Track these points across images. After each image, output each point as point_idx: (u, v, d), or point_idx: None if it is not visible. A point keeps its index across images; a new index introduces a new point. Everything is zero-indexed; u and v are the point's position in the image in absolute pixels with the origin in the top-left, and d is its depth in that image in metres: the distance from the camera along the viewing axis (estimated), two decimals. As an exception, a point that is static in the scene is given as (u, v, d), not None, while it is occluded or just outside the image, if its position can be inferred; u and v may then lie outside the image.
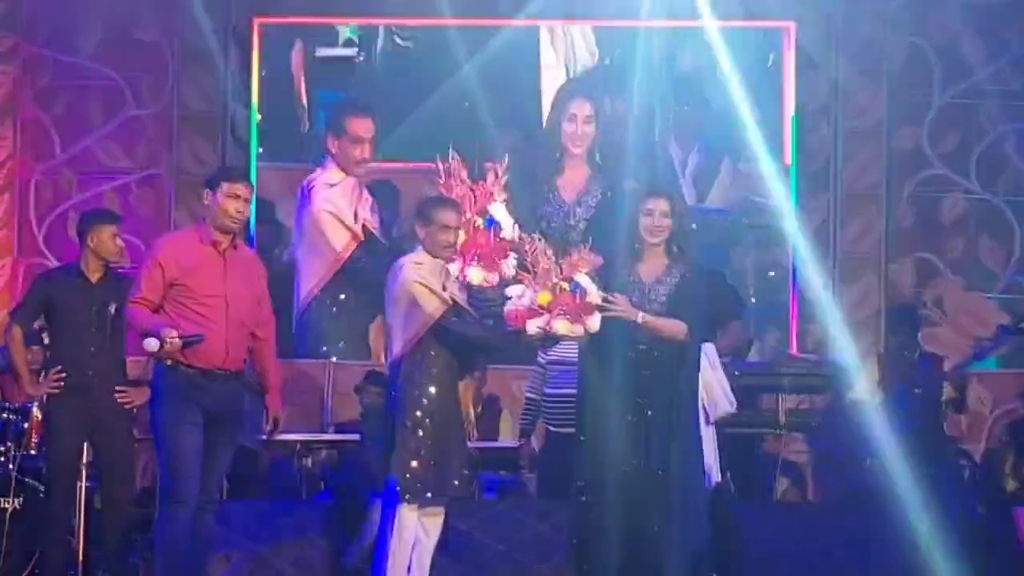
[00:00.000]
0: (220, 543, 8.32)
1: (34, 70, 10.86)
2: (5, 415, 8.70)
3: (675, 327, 7.24)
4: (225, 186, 7.15)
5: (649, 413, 7.27)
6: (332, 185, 9.87)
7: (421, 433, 7.10)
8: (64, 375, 8.15)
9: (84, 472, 8.41)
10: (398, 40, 11.56)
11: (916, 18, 10.88)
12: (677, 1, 10.44)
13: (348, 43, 11.68)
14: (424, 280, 7.07)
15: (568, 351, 8.75)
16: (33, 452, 8.67)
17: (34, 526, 8.42)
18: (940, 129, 10.89)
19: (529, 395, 9.11)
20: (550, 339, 7.11)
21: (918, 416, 9.30)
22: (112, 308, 8.20)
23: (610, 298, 7.09)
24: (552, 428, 8.94)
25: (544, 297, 6.93)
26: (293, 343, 10.03)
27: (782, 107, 10.92)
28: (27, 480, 8.57)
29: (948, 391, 9.56)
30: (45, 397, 8.38)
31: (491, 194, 7.25)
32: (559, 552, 8.27)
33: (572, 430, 8.54)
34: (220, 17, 10.69)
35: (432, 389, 7.14)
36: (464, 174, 7.29)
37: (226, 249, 7.12)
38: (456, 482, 7.20)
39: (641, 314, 7.18)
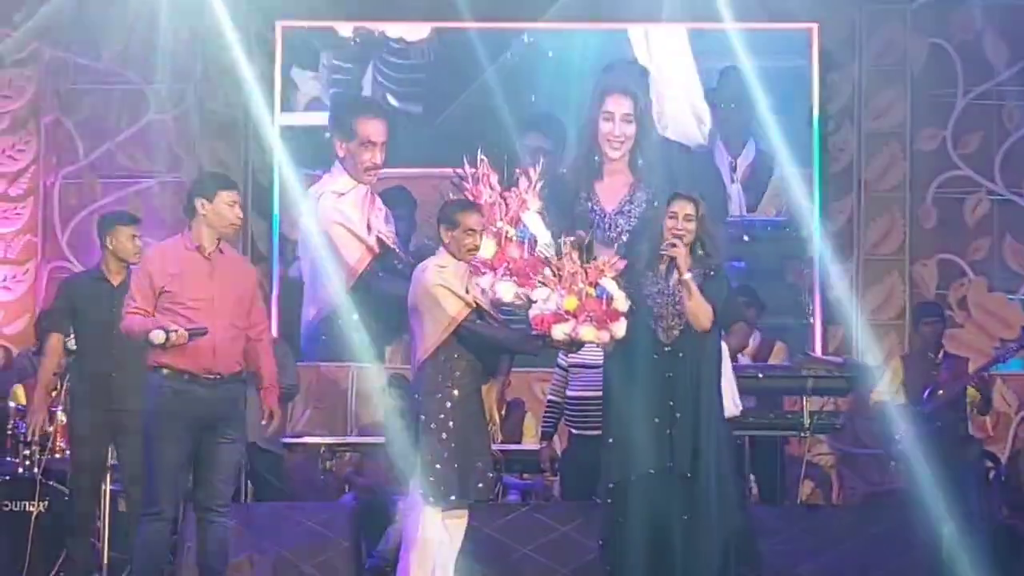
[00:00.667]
0: (244, 545, 8.35)
1: (57, 74, 10.91)
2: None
3: (706, 307, 7.18)
4: (224, 194, 7.22)
5: (677, 415, 7.24)
6: (341, 194, 9.54)
7: (444, 436, 7.07)
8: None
9: (108, 475, 8.44)
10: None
11: (938, 19, 10.87)
12: (699, 3, 10.43)
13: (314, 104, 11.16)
14: (447, 283, 7.04)
15: (590, 354, 8.73)
16: (58, 455, 8.68)
17: (58, 529, 8.44)
18: (963, 130, 10.88)
19: (552, 398, 9.09)
20: (575, 344, 7.03)
21: (941, 417, 9.27)
22: None
23: (668, 245, 7.04)
24: (575, 431, 8.92)
25: (571, 302, 6.82)
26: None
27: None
28: (51, 483, 8.59)
29: (972, 392, 9.53)
30: (68, 401, 8.40)
31: (524, 202, 7.10)
32: (583, 555, 8.27)
33: (595, 433, 8.53)
34: (242, 21, 10.71)
35: (455, 392, 7.12)
36: (494, 179, 7.16)
37: (211, 253, 7.19)
38: (480, 485, 7.17)
39: (688, 274, 7.12)
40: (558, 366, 9.03)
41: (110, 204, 10.68)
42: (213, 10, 10.58)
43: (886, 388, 9.64)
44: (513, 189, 7.12)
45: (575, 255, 6.90)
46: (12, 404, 8.94)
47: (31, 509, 8.55)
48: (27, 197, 10.89)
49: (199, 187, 7.34)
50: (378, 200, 9.67)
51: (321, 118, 10.99)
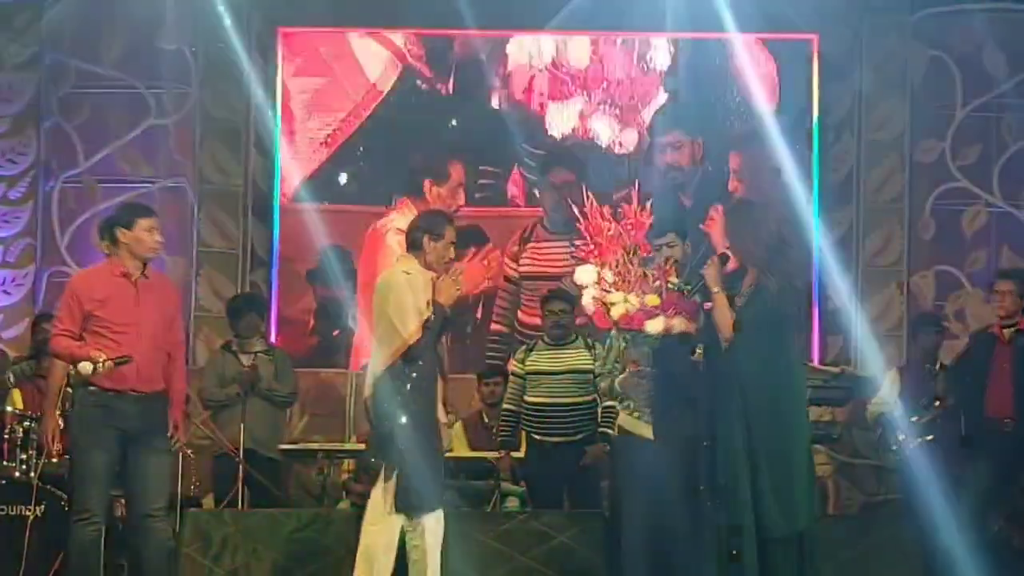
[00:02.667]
0: (239, 551, 8.35)
1: (57, 78, 10.92)
2: (27, 423, 8.74)
3: (724, 319, 6.89)
4: (141, 222, 7.50)
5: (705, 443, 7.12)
6: None
7: (403, 446, 7.15)
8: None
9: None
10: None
11: (939, 31, 10.89)
12: (701, 13, 10.45)
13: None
14: (411, 294, 7.15)
15: (547, 362, 8.83)
16: (55, 460, 8.68)
17: (55, 533, 8.44)
18: (962, 141, 10.89)
19: (507, 407, 9.14)
20: (669, 336, 7.10)
21: (938, 428, 9.27)
22: None
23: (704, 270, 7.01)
24: (536, 437, 8.98)
25: (653, 299, 7.02)
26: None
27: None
28: (48, 487, 8.59)
29: (968, 404, 9.53)
30: (70, 403, 8.42)
31: (667, 272, 7.29)
32: (581, 563, 8.27)
33: (555, 439, 8.70)
34: (244, 27, 10.72)
35: (413, 402, 7.19)
36: (606, 212, 7.29)
37: (137, 279, 7.46)
38: (437, 493, 7.24)
39: (715, 288, 6.91)
40: (513, 374, 9.10)
41: (109, 209, 10.67)
42: (215, 16, 10.59)
43: (883, 398, 9.65)
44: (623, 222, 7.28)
45: (635, 261, 7.06)
46: (9, 409, 8.93)
47: (27, 513, 8.54)
48: (26, 201, 10.88)
49: (117, 217, 7.63)
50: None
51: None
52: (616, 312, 7.15)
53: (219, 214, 10.92)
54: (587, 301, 7.22)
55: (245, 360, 9.78)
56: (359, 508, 9.19)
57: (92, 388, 7.31)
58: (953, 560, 8.44)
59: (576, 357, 8.95)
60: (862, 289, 10.83)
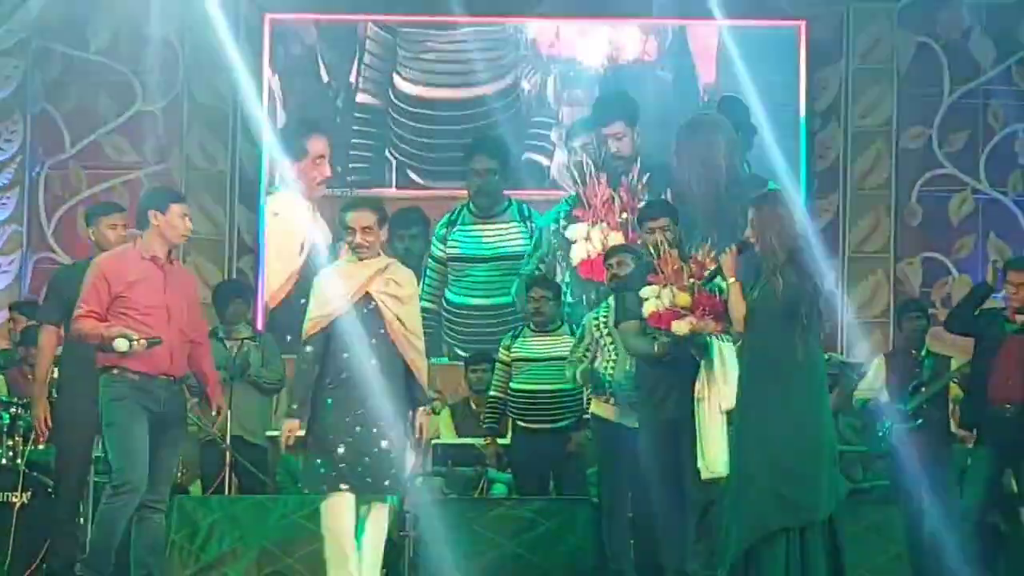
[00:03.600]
0: (228, 538, 8.36)
1: (44, 65, 10.90)
2: (13, 410, 8.73)
3: (737, 308, 6.88)
4: (175, 207, 7.46)
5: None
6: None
7: (325, 425, 7.23)
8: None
9: (93, 467, 8.43)
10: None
11: (925, 18, 10.90)
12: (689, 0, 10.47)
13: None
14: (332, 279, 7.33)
15: (534, 348, 8.85)
16: (41, 447, 8.68)
17: (42, 520, 8.44)
18: (949, 128, 10.90)
19: (494, 394, 9.17)
20: (698, 337, 7.10)
21: (924, 415, 9.29)
22: None
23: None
24: (521, 424, 9.00)
25: (683, 298, 6.98)
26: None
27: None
28: (35, 474, 8.59)
29: (955, 390, 9.56)
30: (55, 389, 8.41)
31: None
32: (568, 550, 8.28)
33: (541, 425, 8.75)
34: (231, 12, 10.70)
35: (330, 384, 7.25)
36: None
37: (164, 264, 7.43)
38: (368, 478, 7.21)
39: (731, 279, 6.89)
40: (499, 362, 9.12)
41: (96, 195, 10.67)
42: (201, 1, 10.57)
43: (869, 385, 9.67)
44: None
45: (674, 253, 7.02)
46: (-6, 396, 8.94)
47: (14, 500, 8.54)
48: (13, 187, 10.87)
49: (152, 199, 7.58)
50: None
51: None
52: (647, 309, 7.15)
53: (206, 200, 10.91)
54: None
55: (231, 347, 9.79)
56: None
57: (115, 371, 7.23)
58: (939, 545, 8.48)
59: (561, 344, 8.95)
60: (849, 276, 10.85)
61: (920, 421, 9.26)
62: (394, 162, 11.07)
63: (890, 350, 10.10)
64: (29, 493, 8.53)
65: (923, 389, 9.29)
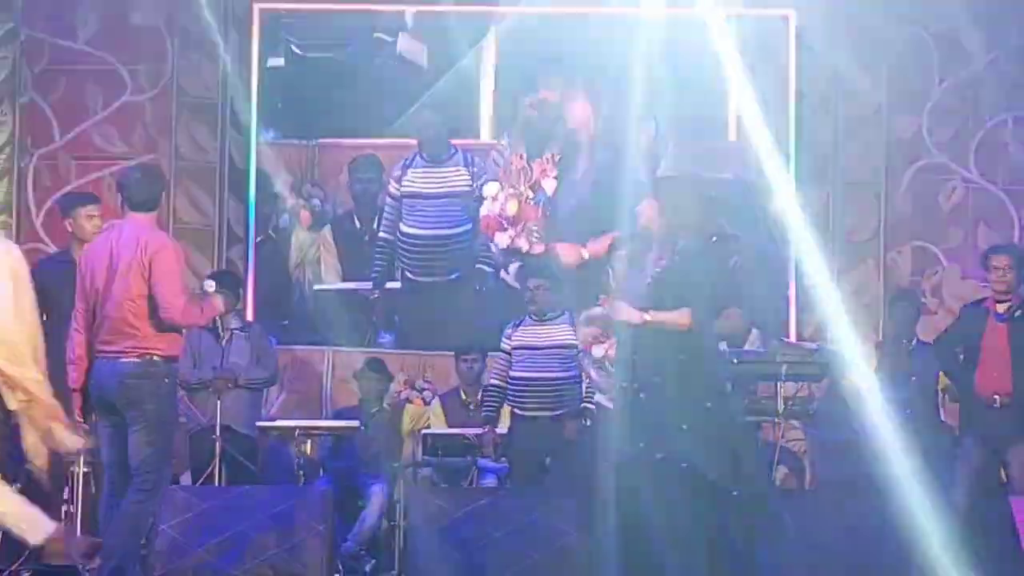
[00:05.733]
0: (217, 528, 8.34)
1: (32, 55, 10.85)
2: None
3: (679, 316, 6.94)
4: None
5: (642, 396, 7.11)
6: None
7: None
8: None
9: (81, 457, 8.40)
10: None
11: (916, 6, 10.87)
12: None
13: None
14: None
15: (532, 337, 8.87)
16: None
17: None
18: (939, 117, 10.89)
19: (493, 382, 9.19)
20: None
21: (914, 404, 9.30)
22: None
23: (610, 310, 6.93)
24: (519, 412, 9.01)
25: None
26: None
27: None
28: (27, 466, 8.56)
29: (944, 379, 9.56)
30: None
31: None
32: (557, 540, 8.28)
33: (539, 413, 8.69)
34: (220, 3, 10.68)
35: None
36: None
37: None
38: None
39: (645, 315, 6.89)
40: (501, 350, 9.14)
41: (85, 186, 10.65)
42: (191, -9, 10.57)
43: (859, 374, 9.68)
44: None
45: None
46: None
47: (3, 491, 8.51)
48: (2, 178, 10.83)
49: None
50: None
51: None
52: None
53: (195, 191, 10.89)
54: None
55: (223, 337, 9.77)
56: (336, 484, 9.25)
57: (155, 357, 7.21)
58: (927, 534, 8.48)
59: (561, 332, 8.99)
60: (839, 265, 10.85)
61: (909, 411, 9.27)
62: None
63: (880, 339, 10.11)
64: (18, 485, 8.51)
65: (913, 379, 9.29)
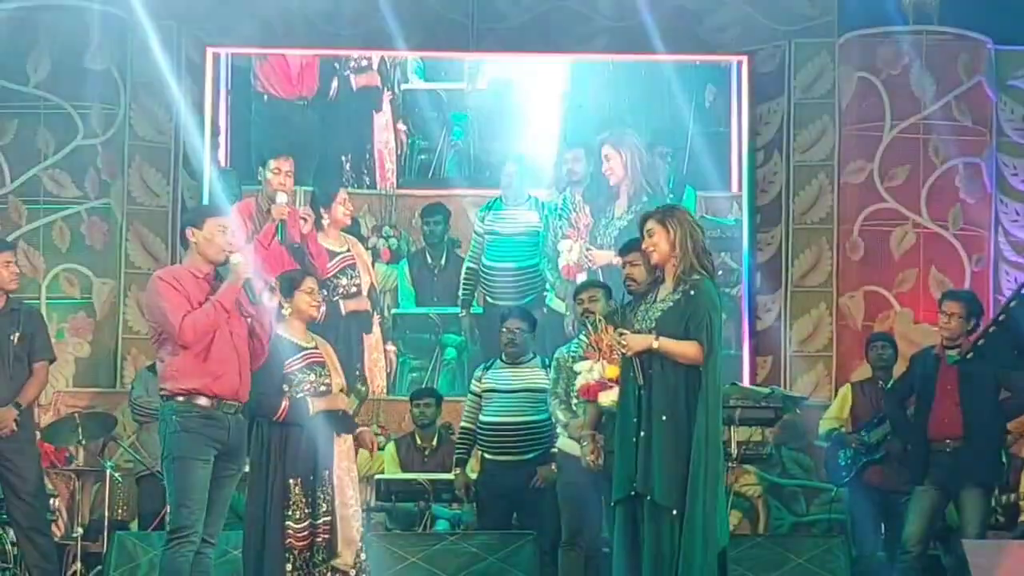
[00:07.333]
0: None
1: (-17, 98, 10.79)
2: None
3: (690, 348, 6.77)
4: (211, 222, 7.18)
5: (642, 434, 6.85)
6: None
7: None
8: None
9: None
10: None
11: (866, 53, 10.97)
12: (632, 34, 10.49)
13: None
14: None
15: (502, 380, 8.84)
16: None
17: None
18: (890, 162, 10.95)
19: (465, 425, 9.15)
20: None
21: (887, 447, 9.30)
22: (14, 337, 8.25)
23: (623, 340, 6.87)
24: (488, 456, 8.97)
25: (612, 371, 7.04)
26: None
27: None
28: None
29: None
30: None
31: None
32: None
33: (509, 457, 8.79)
34: (172, 46, 10.66)
35: None
36: None
37: (213, 283, 7.16)
38: None
39: (655, 341, 6.76)
40: (471, 393, 9.10)
41: (36, 230, 10.59)
42: (143, 35, 10.52)
43: (835, 415, 9.69)
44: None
45: (611, 329, 7.02)
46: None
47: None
48: (-45, 222, 10.75)
49: (188, 217, 7.53)
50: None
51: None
52: (579, 382, 7.33)
53: (147, 235, 10.84)
54: (578, 381, 7.41)
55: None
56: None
57: (191, 400, 6.91)
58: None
59: (532, 376, 8.95)
60: (791, 310, 10.88)
61: (882, 454, 9.29)
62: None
63: (857, 382, 10.01)
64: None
65: (886, 421, 9.30)
